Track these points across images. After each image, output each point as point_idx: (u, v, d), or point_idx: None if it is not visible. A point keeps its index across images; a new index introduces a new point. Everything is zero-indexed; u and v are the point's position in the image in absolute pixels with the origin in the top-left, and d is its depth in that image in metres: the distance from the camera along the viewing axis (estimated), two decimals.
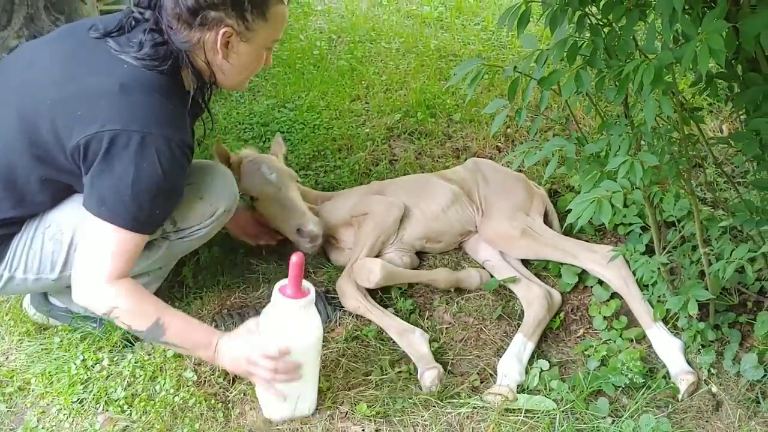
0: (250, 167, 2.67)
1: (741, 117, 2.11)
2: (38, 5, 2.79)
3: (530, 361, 2.30)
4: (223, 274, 2.66)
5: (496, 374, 2.27)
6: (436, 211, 2.68)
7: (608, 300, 2.50)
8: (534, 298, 2.46)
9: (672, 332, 2.33)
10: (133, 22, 2.02)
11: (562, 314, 2.49)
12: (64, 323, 2.39)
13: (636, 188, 1.76)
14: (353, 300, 2.45)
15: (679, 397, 2.18)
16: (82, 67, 1.99)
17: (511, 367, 2.25)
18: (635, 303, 2.41)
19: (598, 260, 2.50)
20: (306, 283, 1.98)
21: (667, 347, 2.29)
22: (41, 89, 1.99)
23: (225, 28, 1.96)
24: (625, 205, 2.74)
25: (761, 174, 2.12)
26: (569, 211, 1.84)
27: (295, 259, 1.89)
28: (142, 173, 1.92)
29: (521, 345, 2.32)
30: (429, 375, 2.22)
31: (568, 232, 2.65)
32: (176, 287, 2.60)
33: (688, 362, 2.26)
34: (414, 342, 2.33)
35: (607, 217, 1.70)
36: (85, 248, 2.00)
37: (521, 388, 2.21)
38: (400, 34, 4.34)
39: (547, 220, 2.76)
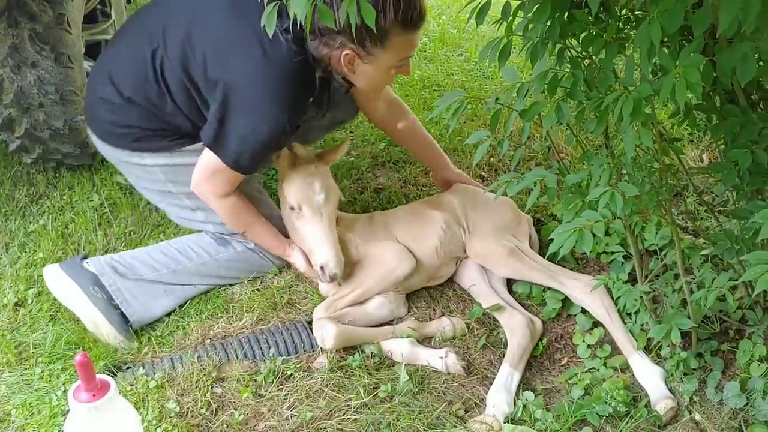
0: (302, 178, 2.52)
1: (720, 147, 2.14)
2: (23, 36, 2.79)
3: (516, 392, 2.30)
4: (206, 303, 2.65)
5: (482, 404, 2.27)
6: (436, 248, 2.65)
7: (591, 328, 2.51)
8: (517, 326, 2.46)
9: (655, 360, 2.34)
10: None
11: (545, 341, 2.50)
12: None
13: (617, 218, 1.78)
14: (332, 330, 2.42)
15: (660, 423, 2.19)
16: (242, 17, 2.28)
17: (499, 397, 2.24)
18: (617, 332, 2.42)
19: (581, 288, 2.51)
20: (104, 381, 1.80)
21: (648, 375, 2.30)
22: (208, 23, 2.34)
23: (347, 50, 2.21)
24: (607, 234, 2.76)
25: (740, 203, 2.15)
26: (552, 240, 1.86)
27: (78, 358, 1.73)
28: (248, 134, 2.34)
29: (508, 375, 2.32)
30: (451, 361, 2.37)
31: (549, 260, 2.66)
32: (159, 318, 2.59)
33: (670, 389, 2.27)
34: (411, 352, 2.41)
35: (588, 247, 1.72)
36: (201, 167, 2.47)
37: (507, 419, 2.21)
38: None
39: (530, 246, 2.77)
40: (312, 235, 2.52)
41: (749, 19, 1.31)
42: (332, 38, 2.19)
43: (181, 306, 2.62)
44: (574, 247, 1.76)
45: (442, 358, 2.38)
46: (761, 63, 1.63)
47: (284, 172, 2.55)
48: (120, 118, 2.52)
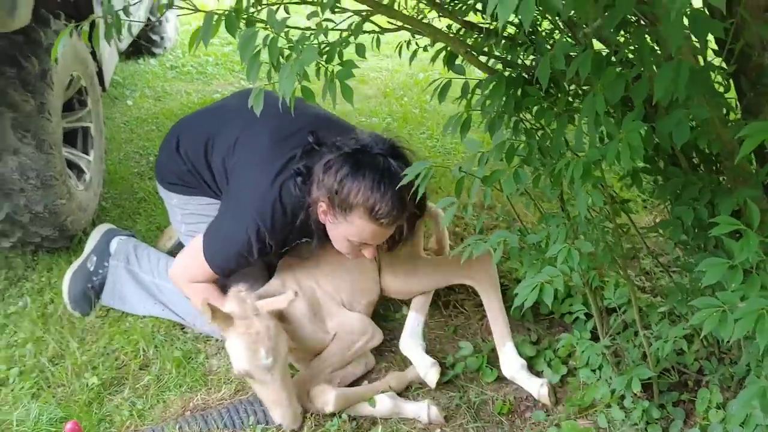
0: (245, 345, 2.36)
1: (668, 207, 2.31)
2: (5, 124, 2.90)
3: None
4: (185, 377, 2.71)
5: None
6: (374, 299, 2.85)
7: (562, 385, 2.63)
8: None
9: (621, 410, 2.45)
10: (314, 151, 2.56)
11: (512, 398, 2.61)
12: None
13: (574, 272, 1.92)
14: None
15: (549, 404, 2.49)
16: (281, 145, 2.60)
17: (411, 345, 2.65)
18: (494, 313, 2.72)
19: (468, 275, 2.79)
20: None
21: (513, 365, 2.62)
22: (255, 135, 2.66)
23: (323, 202, 2.46)
24: (570, 295, 2.92)
25: (689, 257, 2.30)
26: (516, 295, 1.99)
27: (69, 426, 1.87)
28: (231, 236, 2.58)
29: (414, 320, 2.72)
30: (433, 413, 2.50)
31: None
32: (140, 390, 2.65)
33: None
34: (394, 405, 2.54)
35: (549, 299, 1.85)
36: (187, 252, 2.77)
37: None
38: None
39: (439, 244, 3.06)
40: (265, 396, 2.44)
41: (679, 88, 1.49)
42: (320, 186, 2.45)
43: (159, 380, 2.68)
44: (539, 306, 1.89)
45: (425, 409, 2.50)
46: (698, 127, 1.81)
47: (224, 331, 2.44)
48: (174, 170, 2.93)
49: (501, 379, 2.70)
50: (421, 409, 2.51)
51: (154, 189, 3.89)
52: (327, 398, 2.48)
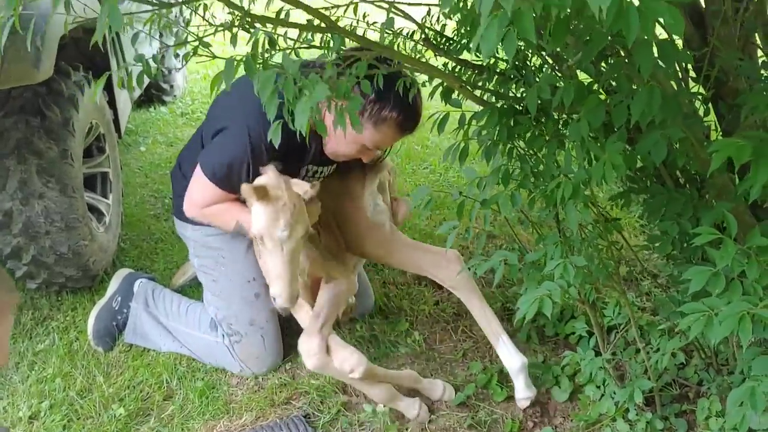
0: (268, 212, 2.37)
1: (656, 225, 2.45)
2: (31, 170, 3.07)
3: None
4: (207, 405, 2.84)
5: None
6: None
7: (566, 400, 2.74)
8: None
9: (626, 423, 2.56)
10: None
11: (521, 416, 2.72)
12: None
13: (571, 286, 2.05)
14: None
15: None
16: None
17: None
18: (479, 312, 2.82)
19: (438, 274, 2.89)
20: None
21: (512, 365, 2.74)
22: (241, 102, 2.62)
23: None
24: (573, 317, 3.05)
25: (678, 270, 2.44)
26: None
27: None
28: (227, 143, 2.61)
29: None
30: (423, 412, 2.68)
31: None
32: (165, 419, 2.77)
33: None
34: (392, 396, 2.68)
35: (548, 310, 1.98)
36: (190, 184, 2.74)
37: None
38: None
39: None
40: (270, 266, 2.43)
41: (653, 111, 1.64)
42: None
43: (183, 409, 2.81)
44: (544, 329, 1.99)
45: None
46: (676, 146, 1.96)
47: (250, 201, 2.43)
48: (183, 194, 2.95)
49: (510, 397, 2.81)
50: (412, 406, 2.69)
51: (170, 230, 4.05)
52: (356, 365, 2.57)
